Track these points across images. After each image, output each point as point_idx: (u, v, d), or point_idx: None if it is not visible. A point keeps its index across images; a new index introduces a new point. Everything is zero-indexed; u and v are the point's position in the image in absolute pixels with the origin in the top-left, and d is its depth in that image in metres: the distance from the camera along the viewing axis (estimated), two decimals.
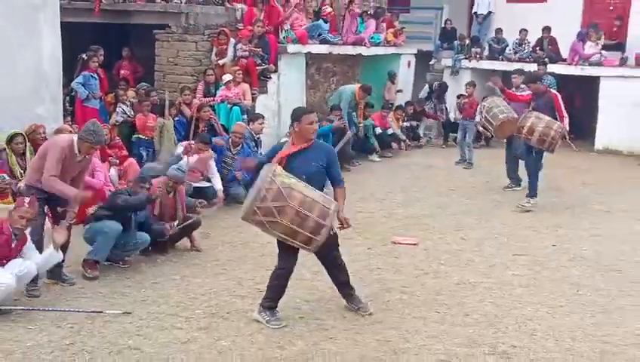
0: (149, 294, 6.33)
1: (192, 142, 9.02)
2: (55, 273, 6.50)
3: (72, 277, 6.58)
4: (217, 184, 8.83)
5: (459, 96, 13.74)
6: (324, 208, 5.30)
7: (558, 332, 5.72)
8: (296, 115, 5.75)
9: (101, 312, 5.66)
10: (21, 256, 5.77)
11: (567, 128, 9.50)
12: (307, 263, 7.22)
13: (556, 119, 9.27)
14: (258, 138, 10.27)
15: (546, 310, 6.17)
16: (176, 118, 10.38)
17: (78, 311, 5.73)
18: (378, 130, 13.28)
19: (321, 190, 5.62)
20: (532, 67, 14.79)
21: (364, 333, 5.62)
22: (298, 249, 5.59)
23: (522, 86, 10.83)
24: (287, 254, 5.75)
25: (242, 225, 8.58)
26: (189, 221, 7.58)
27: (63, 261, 6.41)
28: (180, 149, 8.79)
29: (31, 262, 5.76)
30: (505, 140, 10.85)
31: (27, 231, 5.85)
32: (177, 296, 6.30)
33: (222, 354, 5.16)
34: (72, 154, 6.21)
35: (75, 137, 6.32)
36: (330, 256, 5.89)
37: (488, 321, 5.89)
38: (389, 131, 13.59)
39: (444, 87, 15.17)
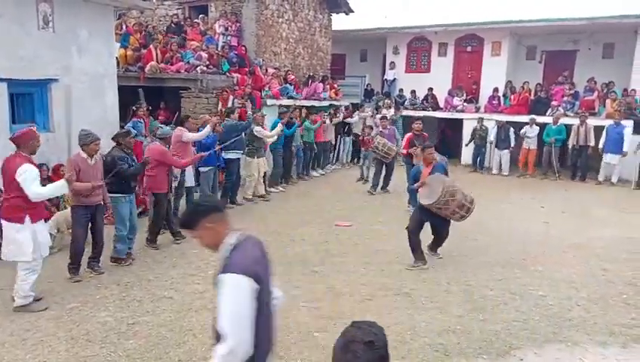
0: (177, 262, 6.22)
1: None
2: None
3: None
4: None
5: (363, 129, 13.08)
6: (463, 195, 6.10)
7: (439, 279, 5.81)
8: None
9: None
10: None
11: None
12: (296, 238, 7.23)
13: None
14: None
15: (431, 265, 6.25)
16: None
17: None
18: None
19: None
20: (422, 113, 15.05)
21: (316, 283, 5.62)
22: (423, 221, 6.19)
23: (389, 126, 10.85)
24: (414, 223, 6.21)
25: (242, 212, 8.55)
26: None
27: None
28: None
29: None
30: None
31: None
32: (196, 262, 6.19)
33: None
34: (84, 161, 5.39)
35: (80, 150, 5.45)
36: (445, 229, 6.33)
37: (395, 274, 5.95)
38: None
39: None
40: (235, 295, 2.13)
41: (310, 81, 14.30)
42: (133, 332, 4.38)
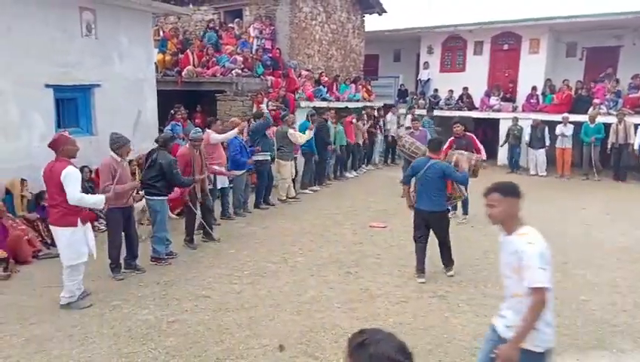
0: (214, 262, 6.34)
1: None
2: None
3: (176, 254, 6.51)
4: None
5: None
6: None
7: (476, 282, 5.70)
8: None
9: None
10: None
11: (485, 157, 8.28)
12: (330, 239, 7.27)
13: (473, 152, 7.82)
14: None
15: (467, 268, 6.15)
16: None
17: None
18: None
19: None
20: (457, 113, 14.79)
21: (351, 284, 5.62)
22: (427, 229, 5.75)
23: (421, 128, 10.50)
24: (418, 230, 5.79)
25: (276, 213, 8.66)
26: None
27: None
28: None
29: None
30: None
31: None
32: (233, 263, 6.30)
33: (262, 299, 5.18)
34: (119, 164, 5.48)
35: (112, 153, 5.51)
36: (442, 236, 5.87)
37: (430, 276, 5.86)
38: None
39: None
40: None
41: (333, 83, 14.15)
42: (172, 330, 4.49)
